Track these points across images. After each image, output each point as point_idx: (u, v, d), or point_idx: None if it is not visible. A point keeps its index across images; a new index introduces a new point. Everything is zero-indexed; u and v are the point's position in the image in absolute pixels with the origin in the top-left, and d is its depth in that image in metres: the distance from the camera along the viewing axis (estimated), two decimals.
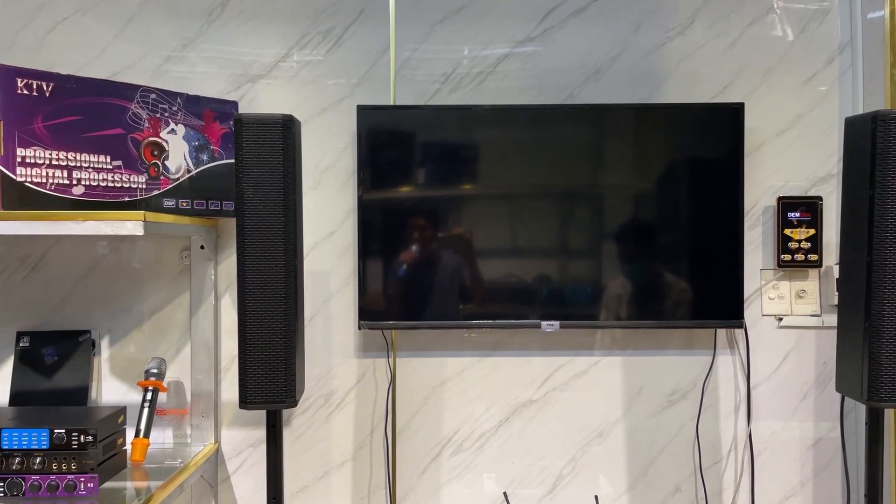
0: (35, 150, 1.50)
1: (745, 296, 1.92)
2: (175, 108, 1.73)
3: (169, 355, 1.91)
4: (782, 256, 1.91)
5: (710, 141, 1.86)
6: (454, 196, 1.87)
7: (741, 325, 1.86)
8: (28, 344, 1.85)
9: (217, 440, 1.92)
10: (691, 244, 1.86)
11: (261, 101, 1.94)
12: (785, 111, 1.95)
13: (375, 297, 1.86)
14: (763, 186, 1.95)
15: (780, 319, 1.95)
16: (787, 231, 1.91)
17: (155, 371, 1.80)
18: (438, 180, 1.87)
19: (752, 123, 1.93)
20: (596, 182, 1.87)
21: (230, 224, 1.93)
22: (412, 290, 1.87)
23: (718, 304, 1.86)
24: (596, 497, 1.94)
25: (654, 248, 1.86)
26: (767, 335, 1.95)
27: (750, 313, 1.94)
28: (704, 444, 1.95)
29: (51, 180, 1.53)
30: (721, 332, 1.95)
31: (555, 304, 1.86)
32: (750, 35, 1.95)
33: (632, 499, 1.95)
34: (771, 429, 1.95)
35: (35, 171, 1.50)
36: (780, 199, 1.92)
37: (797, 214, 1.91)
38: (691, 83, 1.95)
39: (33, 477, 1.48)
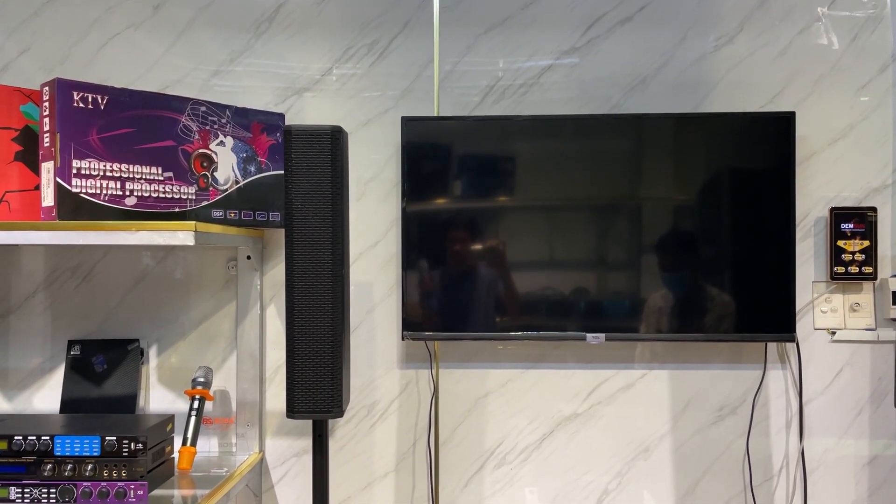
0: (90, 162, 1.54)
1: (797, 309, 1.87)
2: (224, 121, 1.76)
3: (215, 364, 1.93)
4: (835, 269, 1.87)
5: (759, 151, 1.83)
6: (498, 207, 1.86)
7: (793, 339, 1.82)
8: (79, 352, 1.89)
9: (262, 449, 1.93)
10: (741, 256, 1.82)
11: (306, 113, 1.96)
12: (837, 120, 1.91)
13: (419, 307, 1.86)
14: (815, 197, 1.91)
15: (834, 333, 1.90)
16: (841, 243, 1.86)
17: (202, 380, 1.82)
18: (482, 192, 1.86)
19: (803, 133, 1.90)
20: (640, 193, 1.85)
21: (276, 234, 1.95)
22: (456, 302, 1.86)
23: (769, 317, 1.81)
24: None
25: (702, 260, 1.83)
26: (820, 349, 1.90)
27: (802, 327, 1.90)
28: (755, 460, 1.90)
29: (105, 191, 1.56)
30: (772, 346, 1.90)
31: (601, 316, 1.84)
32: (799, 43, 1.91)
33: None
34: (824, 446, 1.90)
35: (90, 182, 1.53)
36: (832, 209, 1.87)
37: (851, 226, 1.86)
38: (739, 92, 1.92)
39: (84, 483, 1.51)
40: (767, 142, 1.83)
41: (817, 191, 1.91)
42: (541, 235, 1.85)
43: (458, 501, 1.93)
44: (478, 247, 1.86)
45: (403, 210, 1.86)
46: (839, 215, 1.87)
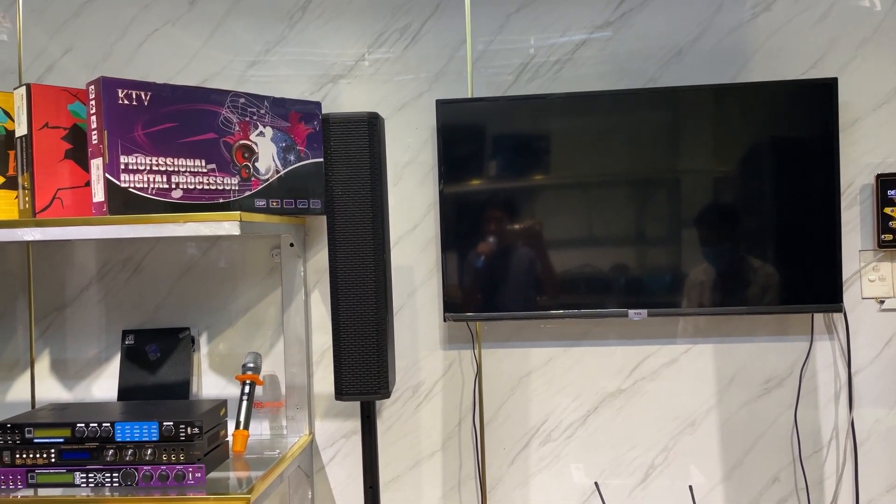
0: (136, 157, 1.58)
1: (844, 278, 1.84)
2: (262, 111, 1.79)
3: (263, 350, 1.98)
4: (883, 237, 1.83)
5: (801, 119, 1.79)
6: (535, 186, 1.86)
7: (840, 310, 1.79)
8: (133, 342, 1.95)
9: (311, 431, 1.97)
10: (784, 227, 1.80)
11: (342, 100, 1.98)
12: (881, 85, 1.86)
13: (459, 289, 1.87)
14: (860, 164, 1.87)
15: (882, 302, 1.87)
16: (888, 210, 1.82)
17: (251, 365, 1.86)
18: (519, 171, 1.86)
19: (846, 99, 1.85)
20: (679, 167, 1.83)
21: (317, 221, 1.98)
22: (496, 282, 1.87)
23: (815, 287, 1.79)
24: (690, 487, 1.90)
25: (745, 232, 1.81)
26: (868, 319, 1.87)
27: (849, 297, 1.87)
28: (803, 432, 1.89)
29: (152, 185, 1.60)
30: (818, 317, 1.88)
31: (642, 293, 1.83)
32: (840, 7, 1.87)
33: (727, 489, 1.91)
34: (875, 416, 1.87)
35: (137, 176, 1.58)
36: (878, 176, 1.83)
37: None
38: (779, 60, 1.88)
39: (145, 467, 1.57)
40: (809, 109, 1.79)
41: (862, 157, 1.87)
42: (578, 213, 1.85)
43: (504, 479, 1.95)
44: (515, 226, 1.87)
45: (441, 193, 1.87)
46: (885, 182, 1.83)
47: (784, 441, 1.89)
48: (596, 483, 1.93)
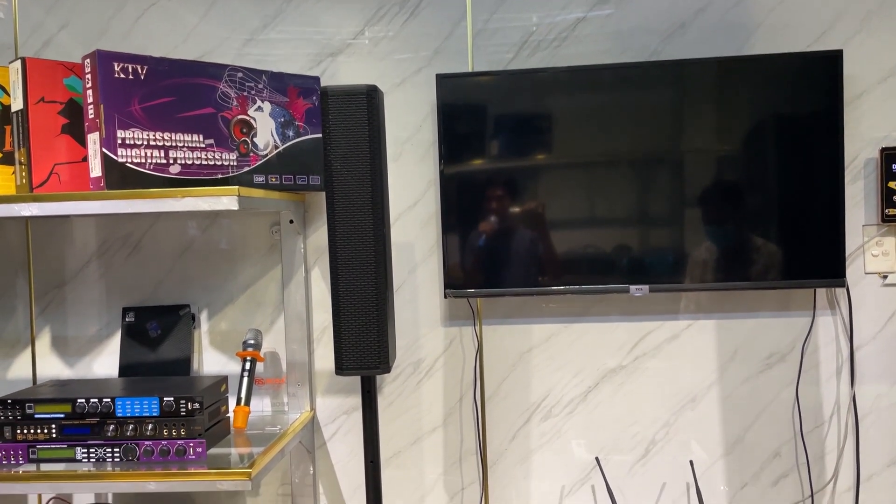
0: (133, 132, 1.57)
1: (847, 253, 1.83)
2: (261, 86, 1.77)
3: (264, 327, 1.98)
4: (887, 211, 1.82)
5: (805, 92, 1.77)
6: (536, 165, 1.84)
7: (843, 284, 1.78)
8: (133, 319, 1.95)
9: (312, 408, 1.98)
10: (785, 202, 1.79)
11: (340, 76, 1.96)
12: (887, 58, 1.84)
13: (460, 266, 1.87)
14: (864, 138, 1.85)
15: (885, 277, 1.86)
16: (892, 184, 1.81)
17: (252, 342, 1.86)
18: (520, 149, 1.85)
19: (851, 72, 1.83)
20: (682, 144, 1.81)
21: (317, 198, 1.97)
22: (497, 259, 1.86)
23: (817, 262, 1.78)
24: (691, 462, 1.90)
25: (748, 206, 1.80)
26: (871, 294, 1.86)
27: (852, 272, 1.86)
28: (805, 408, 1.88)
29: (149, 160, 1.59)
30: (821, 293, 1.87)
31: (644, 271, 1.82)
32: None
33: (728, 463, 1.91)
34: (876, 391, 1.87)
35: (134, 151, 1.57)
36: (883, 150, 1.82)
37: None
38: (783, 34, 1.86)
39: (146, 442, 1.57)
40: (814, 83, 1.77)
41: (867, 132, 1.85)
42: (581, 189, 1.84)
43: (506, 454, 1.96)
44: (517, 204, 1.85)
45: (441, 170, 1.86)
46: (890, 156, 1.81)
47: (785, 416, 1.89)
48: (597, 458, 1.93)
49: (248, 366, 1.84)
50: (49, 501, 1.91)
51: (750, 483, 1.90)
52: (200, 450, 1.57)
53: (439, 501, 1.97)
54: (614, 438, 1.94)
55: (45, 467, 1.55)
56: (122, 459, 1.57)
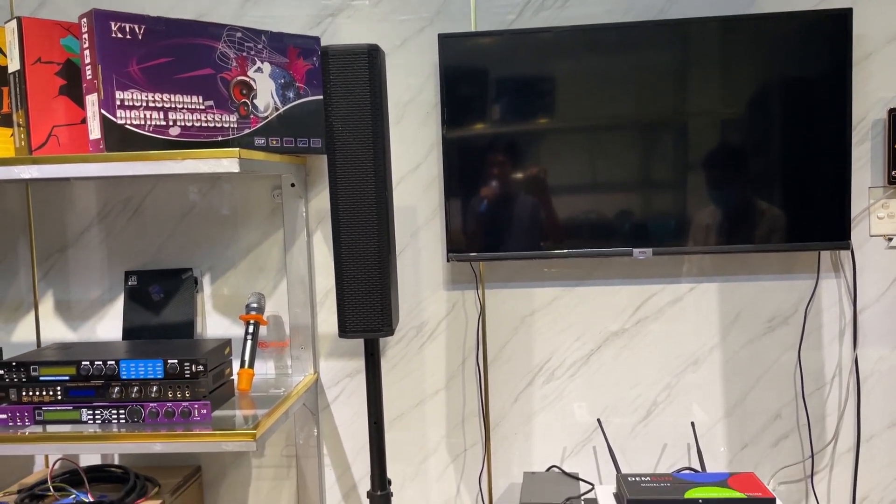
0: (132, 93, 1.55)
1: (852, 216, 1.82)
2: (260, 47, 1.74)
3: (267, 290, 1.98)
4: (893, 173, 1.80)
5: (813, 52, 1.74)
6: (539, 128, 1.82)
7: (847, 247, 1.77)
8: (136, 282, 1.95)
9: (316, 371, 1.99)
10: (791, 164, 1.77)
11: (341, 36, 1.93)
12: None
13: (463, 229, 1.86)
14: (872, 99, 1.82)
15: (890, 240, 1.85)
16: None
17: (255, 305, 1.86)
18: (523, 112, 1.83)
19: (860, 31, 1.80)
20: (687, 105, 1.79)
21: (318, 161, 1.96)
22: (499, 223, 1.85)
23: (822, 225, 1.77)
24: (692, 424, 1.92)
25: (750, 170, 1.78)
26: (876, 257, 1.85)
27: (857, 234, 1.85)
28: (807, 370, 1.89)
29: (148, 122, 1.57)
30: (825, 256, 1.86)
31: (647, 235, 1.82)
32: None
33: (729, 425, 1.92)
34: (878, 354, 1.87)
35: (134, 113, 1.55)
36: (890, 111, 1.79)
37: None
38: None
39: (151, 404, 1.58)
40: (822, 42, 1.74)
41: (875, 92, 1.82)
42: (584, 153, 1.82)
43: (508, 416, 1.97)
44: (520, 167, 1.84)
45: (444, 133, 1.84)
46: None
47: (787, 379, 1.90)
48: (598, 420, 1.95)
49: (251, 329, 1.84)
50: (56, 463, 1.93)
51: (750, 444, 1.92)
52: (205, 411, 1.58)
53: (442, 463, 1.99)
54: (616, 401, 1.95)
55: (51, 429, 1.56)
56: (127, 421, 1.58)
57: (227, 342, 1.76)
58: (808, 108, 1.75)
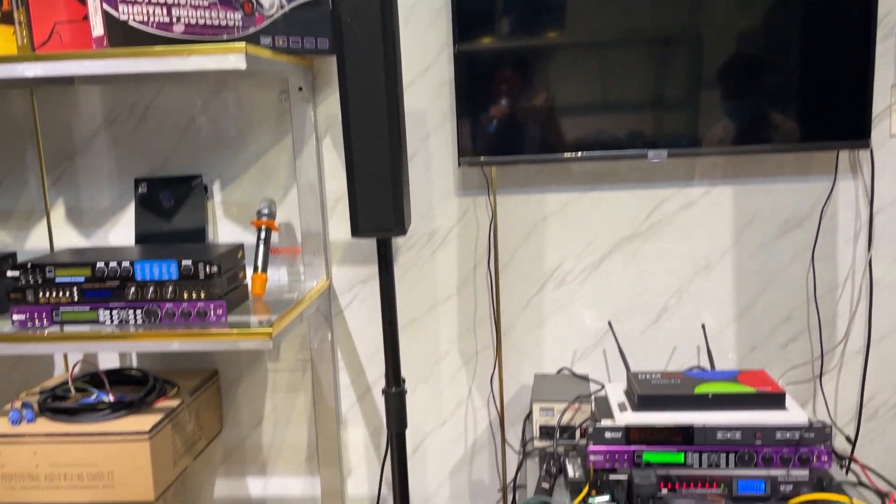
0: None
1: (873, 115, 1.78)
2: None
3: (277, 197, 1.97)
4: None
5: None
6: (556, 28, 1.77)
7: (867, 146, 1.74)
8: (146, 190, 1.94)
9: (328, 277, 2.00)
10: (811, 60, 1.71)
11: None
12: None
13: (474, 133, 1.83)
14: None
15: None
16: None
17: (266, 211, 1.86)
18: (537, 10, 1.76)
19: None
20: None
21: (326, 64, 1.91)
22: (512, 125, 1.82)
23: (842, 123, 1.73)
24: (703, 326, 1.93)
25: (769, 64, 1.73)
26: (895, 157, 1.82)
27: (877, 134, 1.81)
28: (819, 272, 1.89)
29: (152, 18, 1.53)
30: (843, 157, 1.83)
31: (662, 134, 1.78)
32: None
33: (740, 327, 1.93)
34: (892, 256, 1.86)
35: (136, 8, 1.50)
36: None
37: None
38: None
39: (167, 304, 1.59)
40: None
41: None
42: (601, 57, 1.77)
43: (519, 320, 1.99)
44: (534, 68, 1.79)
45: (454, 32, 1.78)
46: None
47: (799, 281, 1.90)
48: (609, 323, 1.96)
49: (263, 234, 1.84)
50: (75, 366, 1.97)
51: (760, 345, 1.93)
52: (221, 311, 1.59)
53: (454, 366, 2.02)
54: (626, 305, 1.96)
55: (69, 329, 1.58)
56: (144, 321, 1.60)
57: (239, 246, 1.76)
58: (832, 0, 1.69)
